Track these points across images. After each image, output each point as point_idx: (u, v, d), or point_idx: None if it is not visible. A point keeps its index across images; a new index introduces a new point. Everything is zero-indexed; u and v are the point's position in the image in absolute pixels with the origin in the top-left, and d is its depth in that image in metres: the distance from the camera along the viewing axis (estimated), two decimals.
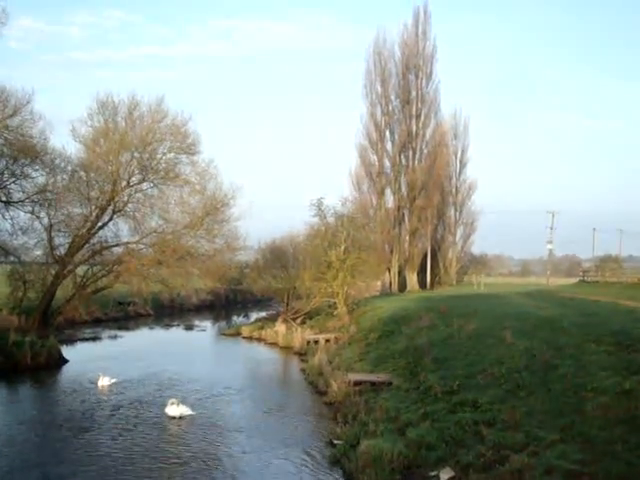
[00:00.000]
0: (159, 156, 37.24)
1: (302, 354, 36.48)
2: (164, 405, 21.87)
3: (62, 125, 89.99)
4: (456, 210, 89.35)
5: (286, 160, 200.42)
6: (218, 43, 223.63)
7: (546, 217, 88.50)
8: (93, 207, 36.38)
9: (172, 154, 37.57)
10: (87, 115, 36.76)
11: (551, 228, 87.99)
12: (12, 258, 37.16)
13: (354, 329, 37.75)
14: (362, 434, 17.36)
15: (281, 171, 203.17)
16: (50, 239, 35.76)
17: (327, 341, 36.75)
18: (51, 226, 35.49)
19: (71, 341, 39.97)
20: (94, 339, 43.27)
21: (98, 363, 31.49)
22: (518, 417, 15.80)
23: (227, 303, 74.00)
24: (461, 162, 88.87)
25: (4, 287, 37.47)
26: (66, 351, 34.41)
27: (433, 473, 14.64)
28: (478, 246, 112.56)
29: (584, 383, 16.71)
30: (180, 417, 21.16)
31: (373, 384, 23.24)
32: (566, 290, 55.86)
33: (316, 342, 37.38)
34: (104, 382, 26.44)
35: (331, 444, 18.07)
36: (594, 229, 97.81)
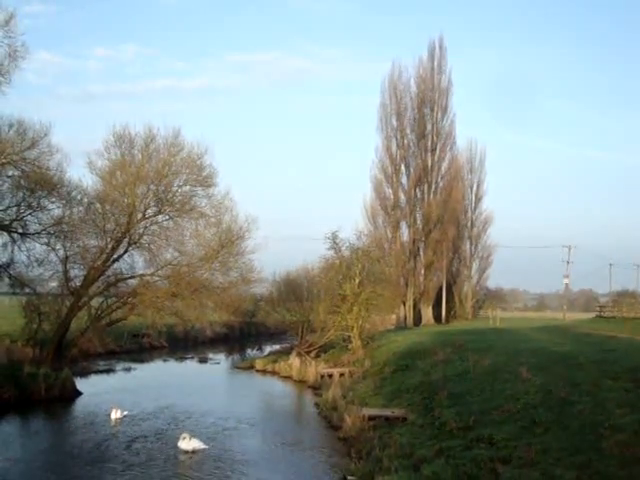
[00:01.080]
0: (175, 188, 37.40)
1: (316, 388, 36.27)
2: (177, 439, 21.74)
3: (78, 157, 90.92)
4: (472, 244, 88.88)
5: (300, 192, 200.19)
6: (234, 76, 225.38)
7: (562, 251, 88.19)
8: (108, 239, 36.48)
9: (188, 187, 37.73)
10: (104, 148, 37.00)
11: (567, 262, 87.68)
12: (27, 290, 37.27)
13: (368, 363, 37.50)
14: (376, 470, 17.18)
15: (294, 203, 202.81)
16: (65, 271, 35.87)
17: (341, 375, 36.51)
18: (67, 258, 35.62)
19: (85, 373, 39.89)
20: (108, 371, 43.20)
21: (112, 396, 31.46)
22: (534, 454, 15.57)
23: (241, 336, 73.81)
24: (476, 195, 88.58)
25: (19, 319, 37.53)
26: (80, 383, 34.35)
27: None
28: (494, 280, 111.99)
29: (601, 420, 16.49)
30: (193, 451, 21.02)
31: (387, 419, 23.04)
32: (582, 325, 55.41)
33: (330, 376, 37.15)
34: (117, 415, 26.32)
35: None
36: (610, 264, 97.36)
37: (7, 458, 20.91)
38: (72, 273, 36.78)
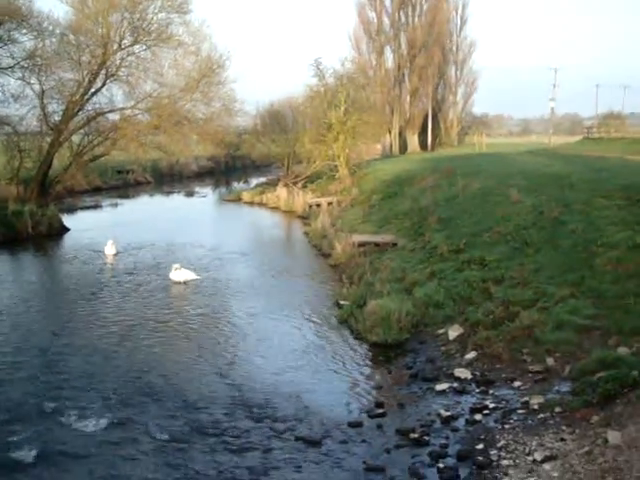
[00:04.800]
0: (150, 16, 35.49)
1: (305, 218, 36.31)
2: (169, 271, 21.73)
3: None
4: (457, 69, 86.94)
5: (281, 21, 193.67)
6: None
7: (548, 74, 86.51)
8: (85, 72, 35.03)
9: (163, 13, 35.86)
10: None
11: (554, 85, 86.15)
12: (7, 129, 36.24)
13: (356, 192, 37.39)
14: (368, 294, 17.23)
15: (276, 33, 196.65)
16: (43, 106, 34.72)
17: (329, 204, 36.42)
18: (43, 92, 34.33)
19: (71, 210, 39.73)
20: (95, 207, 43.02)
21: (100, 231, 31.30)
22: (527, 274, 15.59)
23: (227, 169, 73.37)
24: (462, 19, 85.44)
25: (1, 158, 36.75)
26: (67, 220, 34.17)
27: (441, 331, 14.60)
28: (479, 107, 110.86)
29: (594, 238, 16.39)
30: (184, 282, 21.07)
31: (377, 245, 23.06)
32: (570, 147, 55.16)
33: (318, 205, 37.07)
34: (112, 250, 25.95)
35: (337, 305, 18.02)
36: (597, 85, 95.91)
37: (3, 290, 20.98)
38: (50, 108, 35.63)
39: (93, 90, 35.55)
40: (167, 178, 62.67)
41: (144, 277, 22.37)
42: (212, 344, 15.26)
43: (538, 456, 8.98)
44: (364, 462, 9.49)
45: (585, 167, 29.54)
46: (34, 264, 26.72)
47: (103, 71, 35.20)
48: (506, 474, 8.80)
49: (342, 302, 17.88)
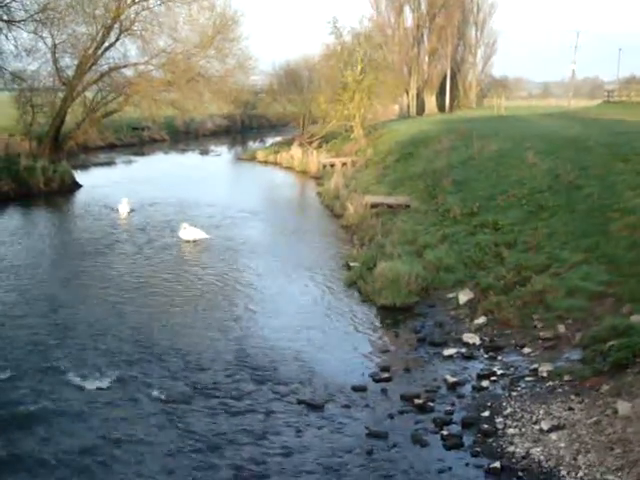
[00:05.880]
0: None
1: (318, 178, 35.93)
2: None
3: None
4: (477, 30, 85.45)
5: None
6: None
7: (570, 37, 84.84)
8: (99, 26, 34.59)
9: None
10: None
11: (575, 47, 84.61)
12: (20, 84, 35.97)
13: (371, 152, 36.91)
14: (379, 256, 16.97)
15: None
16: (55, 60, 34.43)
17: (343, 165, 36.04)
18: (55, 46, 34.02)
19: (85, 166, 39.48)
20: (108, 164, 42.84)
21: (113, 188, 31.17)
22: (540, 238, 15.28)
23: (242, 128, 72.83)
24: None
25: (16, 114, 36.42)
26: (80, 176, 33.98)
27: (451, 295, 14.37)
28: (498, 69, 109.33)
29: (610, 204, 16.00)
30: (194, 241, 20.88)
31: (390, 206, 22.73)
32: (590, 111, 54.19)
33: (332, 166, 36.70)
34: (126, 208, 25.54)
35: (347, 266, 17.79)
36: (620, 49, 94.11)
37: (15, 244, 21.07)
38: (63, 63, 35.46)
39: (107, 45, 35.18)
40: (182, 136, 62.19)
41: (155, 235, 22.20)
42: (218, 304, 15.10)
43: (545, 425, 8.78)
44: (366, 428, 9.32)
45: (604, 130, 28.89)
46: (45, 220, 26.60)
47: (117, 25, 34.78)
48: (512, 443, 8.62)
49: (352, 264, 17.64)
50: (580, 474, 7.75)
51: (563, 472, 7.86)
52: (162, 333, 13.09)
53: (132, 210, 25.76)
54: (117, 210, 25.64)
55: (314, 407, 9.99)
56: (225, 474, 8.35)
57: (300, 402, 10.15)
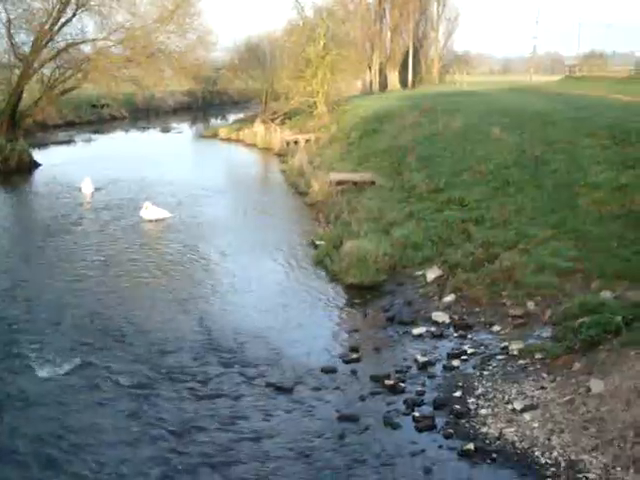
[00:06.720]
0: None
1: (281, 155, 35.48)
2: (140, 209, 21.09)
3: None
4: (439, 4, 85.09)
5: None
6: None
7: (531, 12, 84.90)
8: (54, 1, 33.69)
9: None
10: None
11: (536, 22, 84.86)
12: None
13: (335, 129, 36.56)
14: (345, 234, 16.75)
15: None
16: (10, 35, 33.45)
17: (307, 141, 35.65)
18: (10, 22, 33.05)
19: (43, 145, 38.54)
20: (68, 142, 41.81)
21: (72, 167, 30.50)
22: (507, 215, 15.15)
23: (204, 105, 71.77)
24: None
25: None
26: (38, 155, 33.16)
27: (419, 273, 14.16)
28: (460, 44, 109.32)
29: (577, 179, 15.97)
30: (156, 220, 20.46)
31: (355, 184, 22.47)
32: (552, 86, 54.40)
33: (296, 142, 36.29)
34: (89, 188, 24.89)
35: (313, 245, 17.53)
36: (579, 24, 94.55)
37: None
38: (18, 39, 34.31)
39: (63, 20, 34.10)
40: (143, 113, 61.17)
41: (116, 214, 21.69)
42: (181, 284, 14.77)
43: (518, 405, 8.67)
44: (337, 411, 9.12)
45: (568, 105, 28.93)
46: (3, 199, 25.87)
47: (74, 0, 33.81)
48: (484, 424, 8.48)
49: (318, 242, 17.38)
50: (555, 454, 7.64)
51: (537, 453, 7.74)
52: (124, 314, 12.73)
53: (95, 189, 25.14)
54: (80, 189, 25.02)
55: (283, 390, 9.74)
56: (192, 461, 8.09)
57: (268, 385, 9.91)
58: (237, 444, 8.42)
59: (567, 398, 8.51)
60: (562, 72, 79.37)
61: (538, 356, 9.83)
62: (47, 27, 33.39)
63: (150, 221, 20.49)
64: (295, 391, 9.75)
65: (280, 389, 9.78)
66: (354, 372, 10.28)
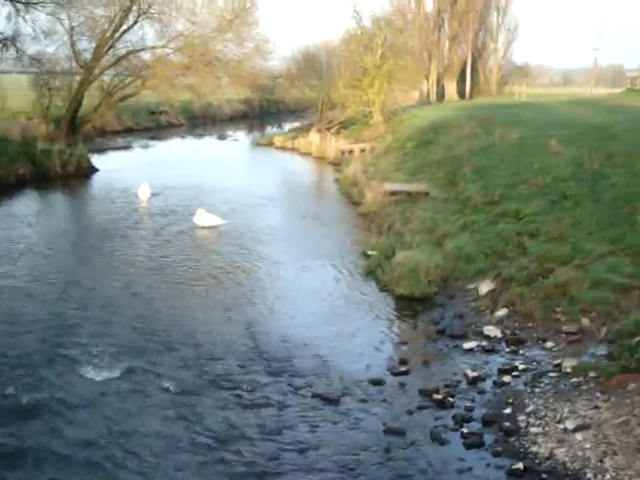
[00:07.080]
0: None
1: (336, 164, 35.50)
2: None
3: None
4: (498, 14, 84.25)
5: None
6: None
7: (592, 23, 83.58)
8: (117, 8, 34.32)
9: None
10: None
11: (598, 34, 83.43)
12: (36, 68, 35.77)
13: (390, 138, 36.43)
14: (397, 245, 16.64)
15: None
16: (72, 43, 34.20)
17: (362, 151, 35.61)
18: (72, 29, 33.81)
19: (101, 150, 39.10)
20: (125, 148, 42.50)
21: (129, 172, 30.98)
22: (564, 229, 14.83)
23: (260, 113, 72.39)
24: None
25: (33, 97, 36.26)
26: (96, 160, 33.72)
27: (472, 286, 13.98)
28: (520, 56, 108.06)
29: (637, 193, 15.56)
30: (209, 227, 20.59)
31: (409, 194, 22.33)
32: (613, 98, 53.39)
33: (351, 152, 36.29)
34: (146, 193, 25.15)
35: (365, 255, 17.44)
36: None
37: (32, 226, 20.99)
38: (80, 46, 35.12)
39: (124, 28, 34.84)
40: (200, 121, 61.87)
41: (170, 220, 21.92)
42: (232, 292, 14.81)
43: (570, 424, 8.43)
44: (384, 424, 9.01)
45: (629, 118, 28.30)
46: (62, 203, 26.56)
47: (135, 8, 34.43)
48: (534, 443, 8.27)
49: (370, 252, 17.31)
50: (607, 477, 7.41)
51: (589, 475, 7.51)
52: (174, 319, 12.84)
53: (152, 195, 25.45)
54: (136, 194, 25.35)
55: (330, 401, 9.68)
56: (237, 470, 8.08)
57: (315, 395, 9.85)
58: (282, 454, 8.37)
59: (622, 419, 8.25)
60: (624, 84, 77.85)
61: (592, 374, 9.57)
62: (109, 34, 34.11)
63: (203, 227, 20.64)
64: (342, 402, 9.67)
65: (327, 400, 9.71)
66: (402, 385, 10.16)
